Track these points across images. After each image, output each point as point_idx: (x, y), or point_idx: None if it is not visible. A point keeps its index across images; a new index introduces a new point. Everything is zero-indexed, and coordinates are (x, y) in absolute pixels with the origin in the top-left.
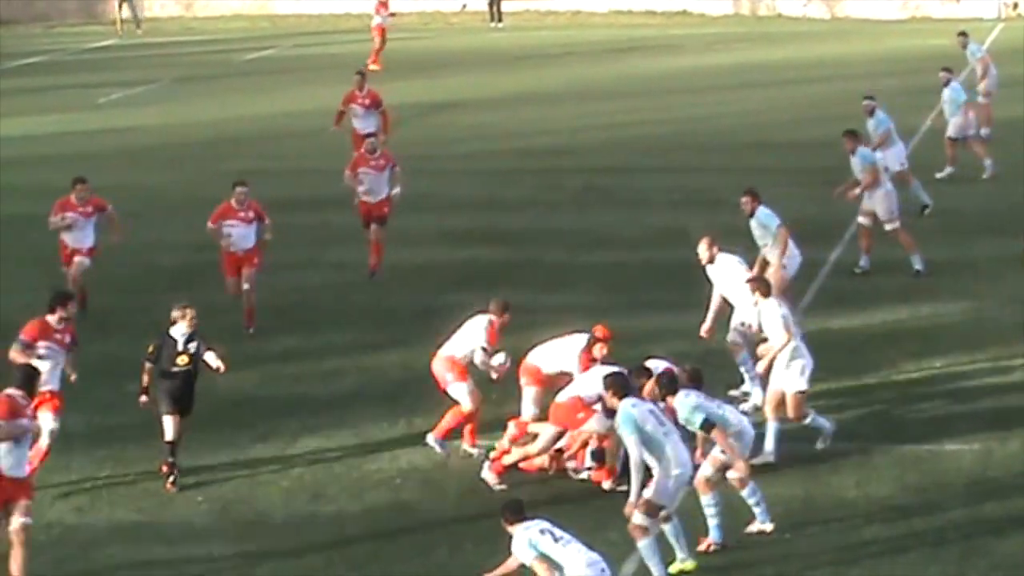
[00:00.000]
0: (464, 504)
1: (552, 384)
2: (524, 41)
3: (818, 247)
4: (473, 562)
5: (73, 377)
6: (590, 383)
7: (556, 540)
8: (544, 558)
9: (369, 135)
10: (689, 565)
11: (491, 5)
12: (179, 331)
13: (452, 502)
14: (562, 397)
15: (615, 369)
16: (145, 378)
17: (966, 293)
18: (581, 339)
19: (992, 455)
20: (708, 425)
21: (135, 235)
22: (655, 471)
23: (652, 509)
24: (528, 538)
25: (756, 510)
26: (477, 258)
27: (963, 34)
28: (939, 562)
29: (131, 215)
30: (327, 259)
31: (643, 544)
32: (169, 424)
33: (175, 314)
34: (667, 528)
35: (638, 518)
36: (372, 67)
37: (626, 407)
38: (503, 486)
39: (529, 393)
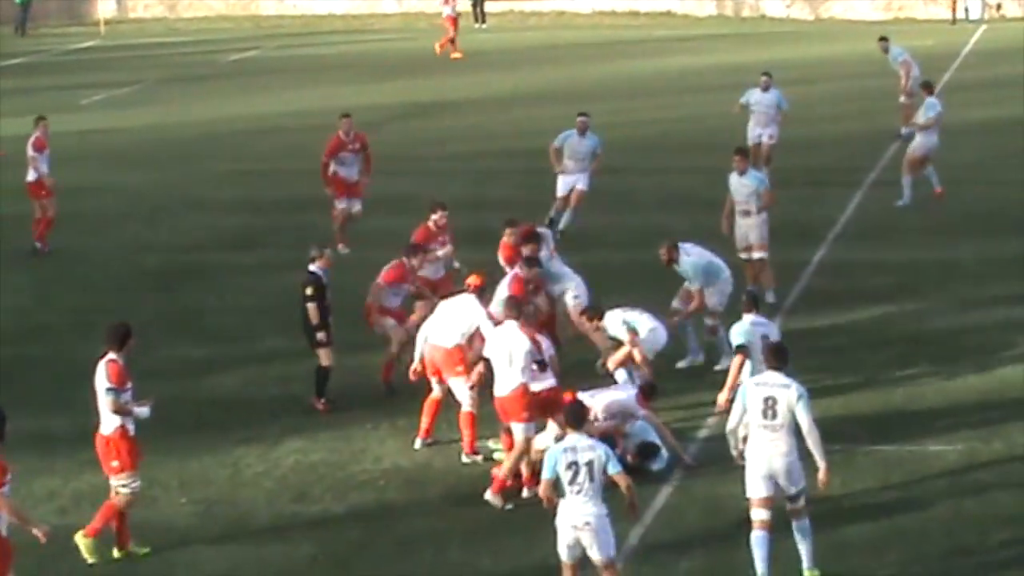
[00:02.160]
0: (448, 504)
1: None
2: (508, 42)
3: (802, 248)
4: (458, 562)
5: None
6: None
7: None
8: None
9: (356, 181)
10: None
11: (475, 6)
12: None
13: (436, 503)
14: (502, 391)
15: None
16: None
17: (950, 294)
18: (467, 298)
19: (976, 455)
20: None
21: (119, 236)
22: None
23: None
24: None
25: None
26: (462, 259)
27: (884, 39)
28: (923, 562)
29: (115, 216)
30: (307, 261)
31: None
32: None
33: (314, 253)
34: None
35: None
36: (455, 55)
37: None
38: (510, 506)
39: (456, 384)
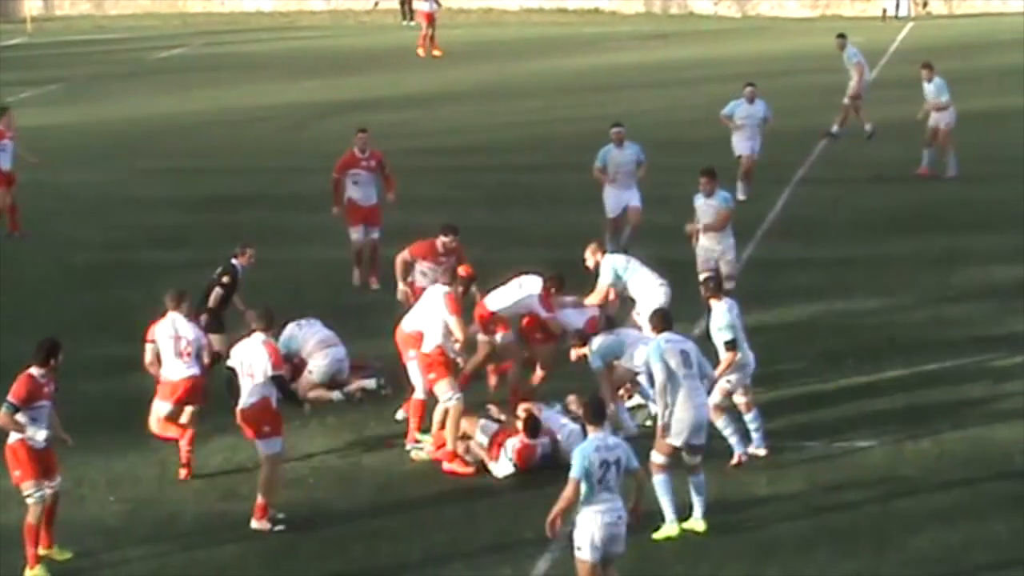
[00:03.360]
0: (378, 502)
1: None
2: (436, 39)
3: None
4: (388, 559)
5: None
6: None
7: None
8: None
9: (372, 206)
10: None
11: (403, 3)
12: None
13: (366, 500)
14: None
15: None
16: None
17: (879, 291)
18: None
19: (903, 451)
20: None
21: (47, 233)
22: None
23: (668, 450)
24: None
25: (755, 436)
26: (388, 256)
27: (842, 36)
28: (852, 558)
29: (43, 213)
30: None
31: (658, 479)
32: None
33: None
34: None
35: (656, 456)
36: (435, 53)
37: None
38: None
39: (411, 368)
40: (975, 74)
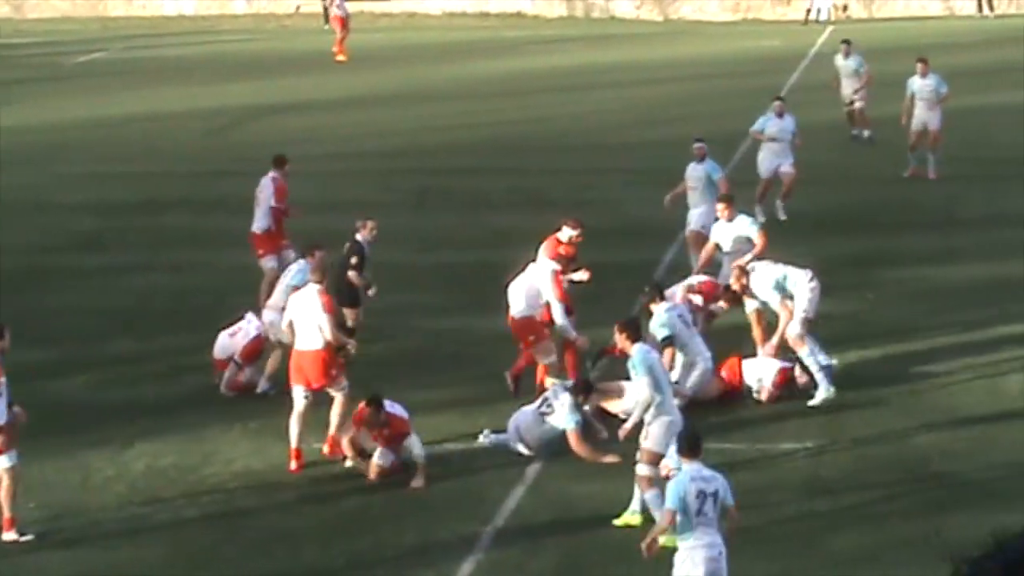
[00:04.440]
0: (301, 506)
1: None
2: (358, 43)
3: (652, 248)
4: (312, 562)
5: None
6: None
7: None
8: None
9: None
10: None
11: (325, 8)
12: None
13: (289, 505)
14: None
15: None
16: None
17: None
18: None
19: (824, 454)
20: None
21: None
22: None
23: (654, 458)
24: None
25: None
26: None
27: (847, 42)
28: (773, 559)
29: None
30: (161, 262)
31: (649, 495)
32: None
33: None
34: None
35: (642, 469)
36: (340, 58)
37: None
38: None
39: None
40: (895, 78)
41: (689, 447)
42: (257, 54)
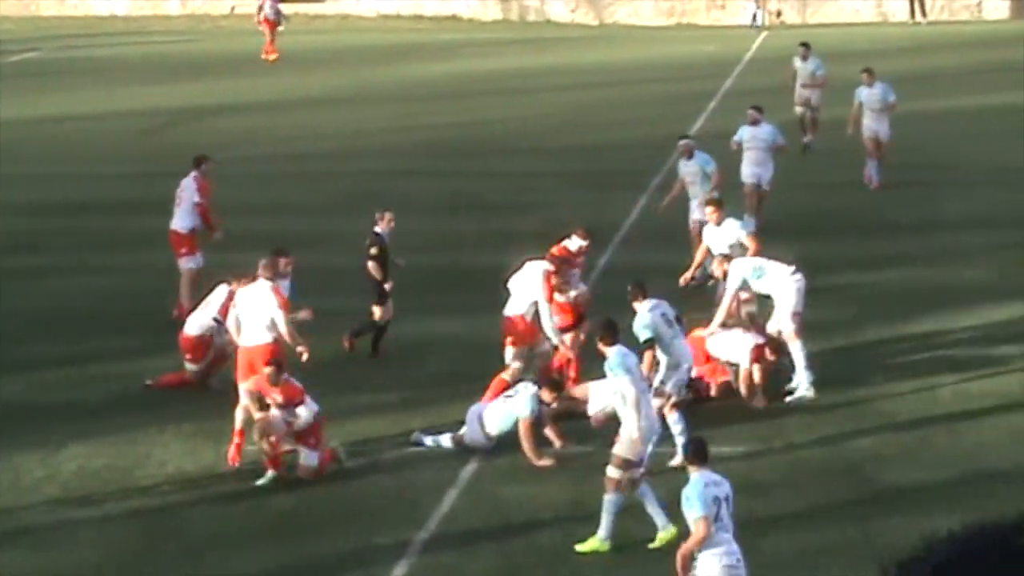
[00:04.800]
0: (234, 510)
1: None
2: (293, 45)
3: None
4: (242, 567)
5: None
6: None
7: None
8: None
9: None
10: (670, 532)
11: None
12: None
13: (220, 508)
14: None
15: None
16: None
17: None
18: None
19: (759, 458)
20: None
21: None
22: (625, 425)
23: (624, 463)
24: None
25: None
26: (247, 262)
27: (805, 45)
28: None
29: None
30: (88, 264)
31: (610, 497)
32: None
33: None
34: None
35: (612, 471)
36: (271, 58)
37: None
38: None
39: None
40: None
41: (697, 454)
42: (191, 55)
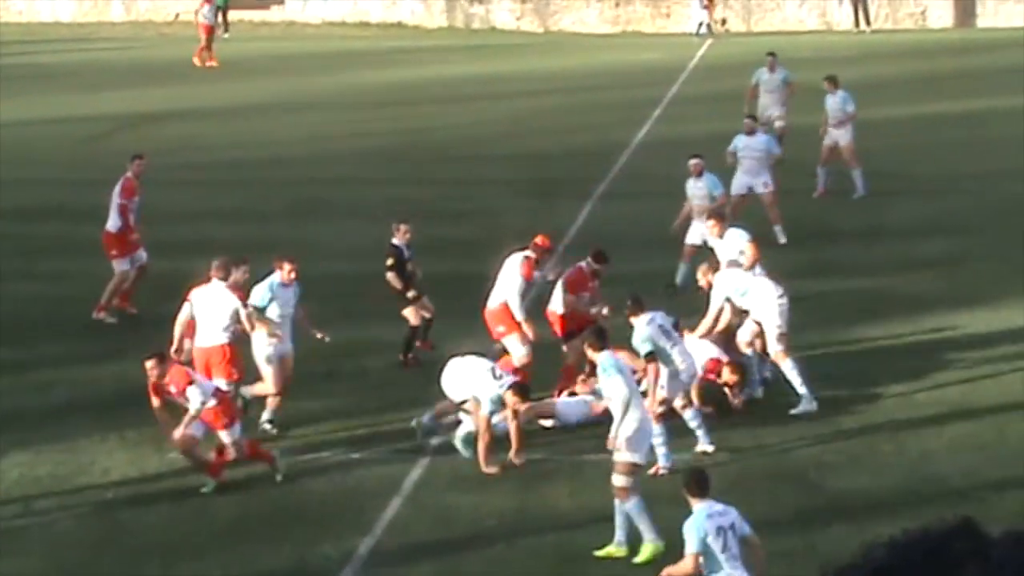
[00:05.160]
0: (176, 518)
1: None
2: (238, 51)
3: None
4: (187, 574)
5: None
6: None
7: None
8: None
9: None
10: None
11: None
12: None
13: (164, 516)
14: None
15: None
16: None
17: (679, 306)
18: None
19: (705, 466)
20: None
21: None
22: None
23: (629, 468)
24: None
25: (698, 433)
26: (188, 270)
27: (772, 55)
28: (655, 569)
29: None
30: (35, 271)
31: (629, 505)
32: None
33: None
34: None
35: (618, 479)
36: (207, 63)
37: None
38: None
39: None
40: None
41: (698, 486)
42: (135, 62)
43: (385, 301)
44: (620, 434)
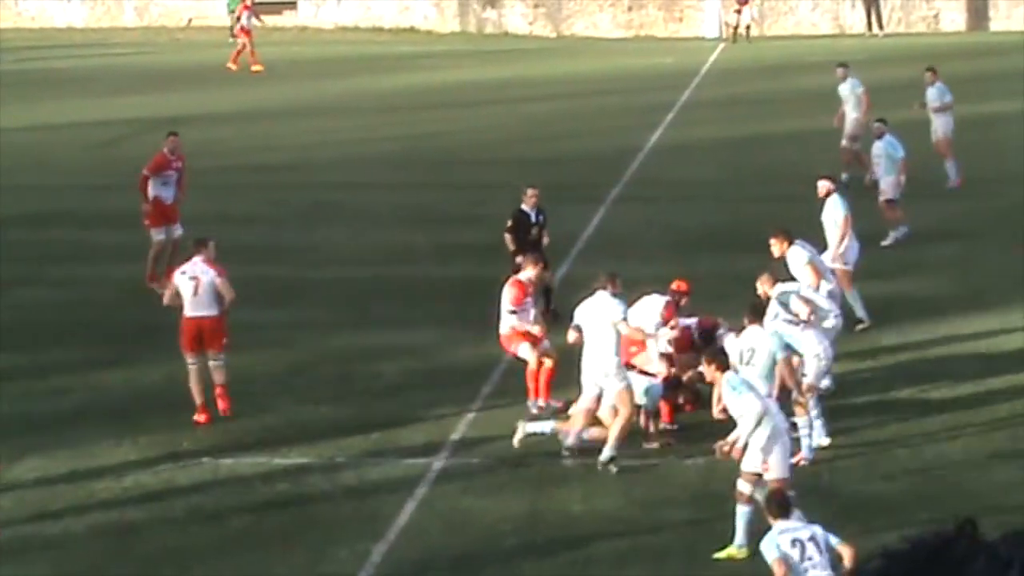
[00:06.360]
0: (190, 522)
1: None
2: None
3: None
4: None
5: None
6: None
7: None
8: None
9: (174, 205)
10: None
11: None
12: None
13: (178, 521)
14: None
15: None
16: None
17: (692, 308)
18: (658, 300)
19: (715, 469)
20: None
21: None
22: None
23: (753, 479)
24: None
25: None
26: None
27: (844, 65)
28: (664, 572)
29: None
30: (48, 276)
31: (744, 510)
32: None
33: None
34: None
35: (743, 486)
36: (252, 68)
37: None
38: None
39: None
40: (783, 95)
41: (777, 508)
42: (148, 67)
43: (397, 306)
44: (751, 445)
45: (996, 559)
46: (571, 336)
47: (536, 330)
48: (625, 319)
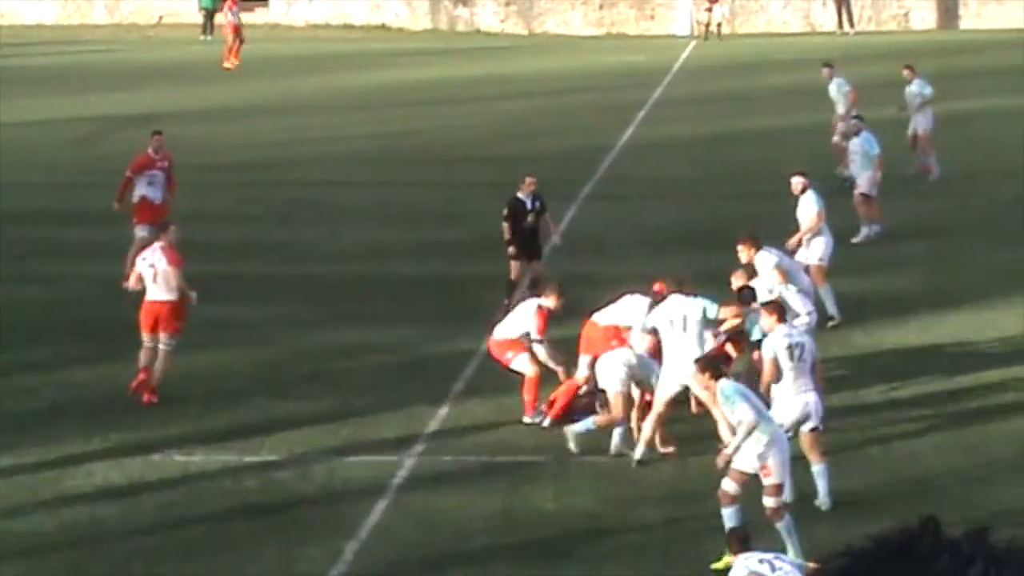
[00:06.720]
0: (160, 519)
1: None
2: (221, 54)
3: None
4: None
5: None
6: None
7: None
8: None
9: (162, 205)
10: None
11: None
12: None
13: (148, 517)
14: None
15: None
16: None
17: None
18: (641, 300)
19: (688, 466)
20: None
21: None
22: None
23: (775, 490)
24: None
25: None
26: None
27: (829, 65)
28: (639, 571)
29: None
30: (26, 274)
31: (782, 525)
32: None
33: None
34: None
35: (769, 501)
36: (226, 65)
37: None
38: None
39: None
40: (754, 93)
41: (740, 543)
42: (120, 64)
43: (371, 303)
44: (747, 447)
45: (959, 556)
46: (644, 339)
47: (556, 367)
48: (715, 312)
